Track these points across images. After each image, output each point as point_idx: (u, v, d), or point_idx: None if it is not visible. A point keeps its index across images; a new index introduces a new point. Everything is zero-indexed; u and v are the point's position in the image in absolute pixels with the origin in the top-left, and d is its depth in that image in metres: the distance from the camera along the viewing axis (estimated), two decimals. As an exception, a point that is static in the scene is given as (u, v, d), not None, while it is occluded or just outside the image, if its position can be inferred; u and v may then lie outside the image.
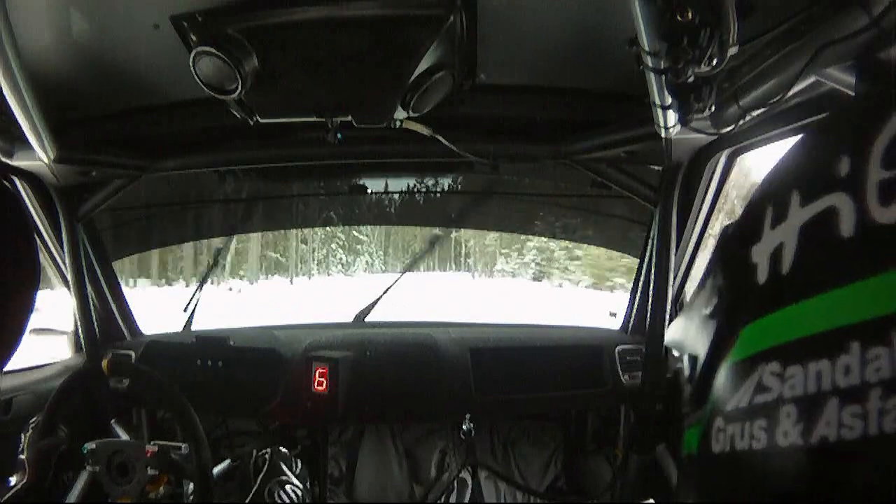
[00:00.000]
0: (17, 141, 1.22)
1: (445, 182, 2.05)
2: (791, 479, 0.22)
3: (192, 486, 1.21)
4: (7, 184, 0.90)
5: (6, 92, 1.00)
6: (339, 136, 1.25)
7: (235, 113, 1.21)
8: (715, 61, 0.80)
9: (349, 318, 1.90)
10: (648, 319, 1.50)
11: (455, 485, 1.72)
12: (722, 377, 0.27)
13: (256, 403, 1.56)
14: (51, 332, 1.62)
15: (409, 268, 2.34)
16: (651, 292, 1.49)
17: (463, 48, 1.09)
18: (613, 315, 1.80)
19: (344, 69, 1.09)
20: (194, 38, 1.01)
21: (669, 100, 0.99)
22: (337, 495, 1.74)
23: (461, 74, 1.18)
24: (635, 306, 1.68)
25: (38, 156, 1.21)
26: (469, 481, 1.71)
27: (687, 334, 0.32)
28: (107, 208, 1.55)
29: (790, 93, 0.84)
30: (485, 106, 1.33)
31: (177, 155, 1.47)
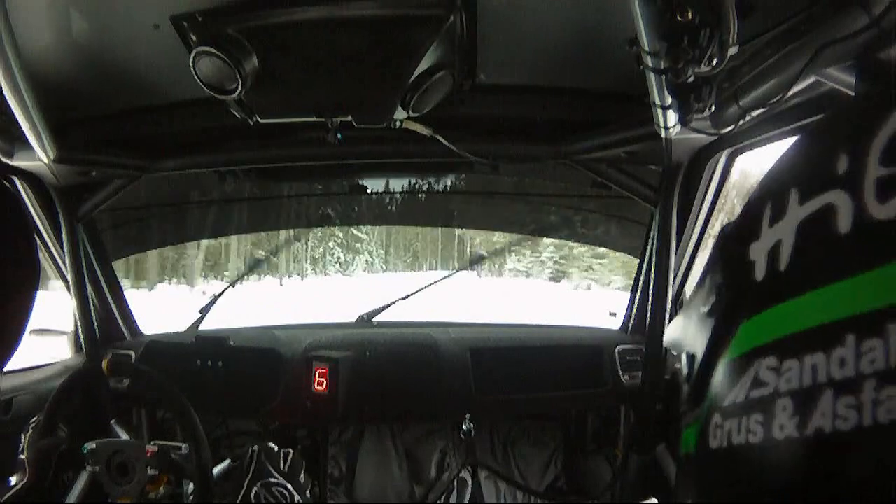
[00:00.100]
0: (17, 141, 1.22)
1: (445, 182, 2.05)
2: (787, 471, 0.22)
3: (192, 486, 1.21)
4: (7, 184, 0.90)
5: (6, 92, 1.00)
6: (339, 136, 1.25)
7: (235, 113, 1.21)
8: (715, 61, 0.80)
9: (349, 318, 1.90)
10: (648, 319, 1.50)
11: (455, 485, 1.72)
12: (719, 374, 0.27)
13: (256, 403, 1.56)
14: (51, 332, 1.62)
15: (431, 282, 1.99)
16: (651, 292, 1.49)
17: (463, 48, 1.09)
18: (613, 315, 1.80)
19: (344, 69, 1.09)
20: (194, 38, 1.01)
21: (669, 100, 0.99)
22: (337, 495, 1.74)
23: (461, 74, 1.18)
24: (635, 306, 1.68)
25: (38, 156, 1.21)
26: (469, 481, 1.71)
27: (685, 333, 0.32)
28: (107, 208, 1.55)
29: (790, 93, 0.84)
30: (485, 106, 1.33)
31: (177, 155, 1.47)
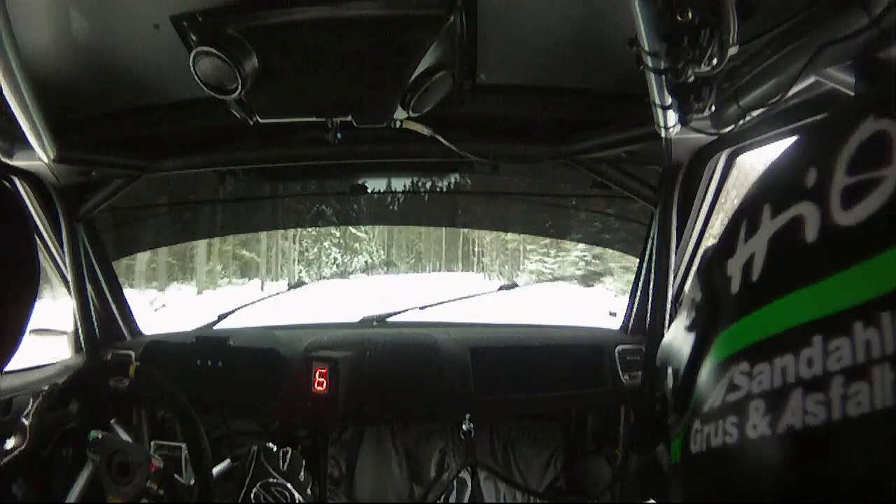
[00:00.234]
0: (17, 141, 1.22)
1: (445, 182, 2.05)
2: (762, 468, 0.23)
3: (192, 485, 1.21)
4: (7, 184, 0.90)
5: (6, 92, 1.00)
6: (339, 136, 1.25)
7: (235, 113, 1.21)
8: (715, 61, 0.80)
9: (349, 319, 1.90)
10: (648, 319, 1.50)
11: (454, 485, 1.72)
12: (699, 385, 0.28)
13: (256, 403, 1.56)
14: (51, 332, 1.62)
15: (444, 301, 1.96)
16: (651, 292, 1.49)
17: (463, 48, 1.09)
18: (613, 315, 1.80)
19: (344, 69, 1.09)
20: (194, 38, 1.01)
21: (669, 100, 0.99)
22: (337, 495, 1.74)
23: (461, 74, 1.18)
24: (635, 306, 1.68)
25: (38, 156, 1.21)
26: (468, 481, 1.71)
27: (670, 349, 0.33)
28: (107, 208, 1.55)
29: (790, 93, 0.84)
30: (485, 106, 1.33)
31: (177, 155, 1.47)
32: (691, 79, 0.86)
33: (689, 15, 0.76)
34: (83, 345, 1.58)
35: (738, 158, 1.36)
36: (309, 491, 1.31)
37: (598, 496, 1.67)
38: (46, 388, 1.33)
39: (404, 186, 2.05)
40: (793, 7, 0.80)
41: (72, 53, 1.10)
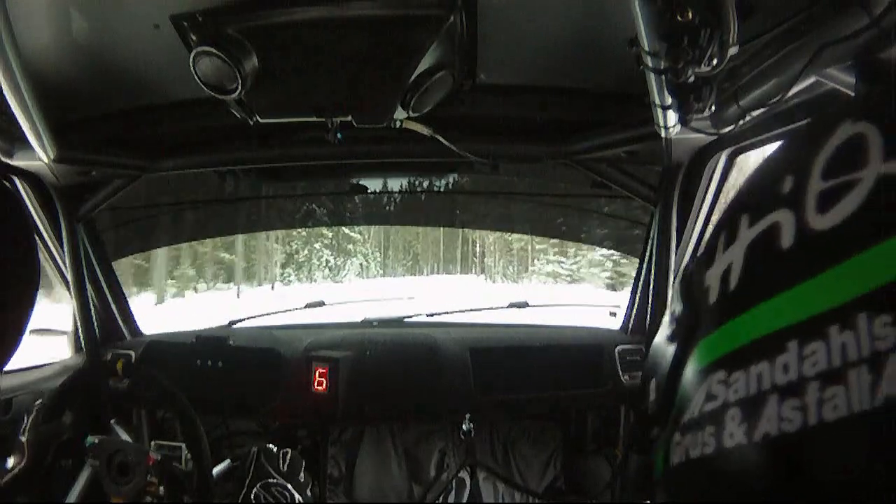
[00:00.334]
0: (17, 141, 1.22)
1: (445, 182, 2.05)
2: (739, 478, 0.23)
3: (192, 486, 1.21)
4: (7, 184, 0.90)
5: (6, 92, 1.00)
6: (338, 136, 1.25)
7: (235, 113, 1.21)
8: (715, 61, 0.80)
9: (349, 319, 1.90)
10: (648, 319, 1.50)
11: (453, 485, 1.72)
12: (679, 395, 0.28)
13: (256, 403, 1.56)
14: (51, 332, 1.62)
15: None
16: (651, 292, 1.49)
17: (463, 48, 1.09)
18: (613, 315, 1.80)
19: (344, 69, 1.09)
20: (194, 37, 1.01)
21: (669, 100, 0.99)
22: (336, 495, 1.74)
23: (461, 74, 1.18)
24: (635, 306, 1.68)
25: (38, 156, 1.21)
26: (468, 481, 1.70)
27: (653, 362, 0.33)
28: (107, 208, 1.55)
29: (790, 93, 0.84)
30: (485, 106, 1.33)
31: (177, 155, 1.47)
32: (691, 79, 0.86)
33: (689, 15, 0.76)
34: (83, 345, 1.58)
35: (738, 158, 1.36)
36: (309, 491, 1.31)
37: (597, 496, 1.67)
38: (39, 402, 1.33)
39: (405, 186, 2.05)
40: (793, 7, 0.80)
41: (72, 53, 1.10)
